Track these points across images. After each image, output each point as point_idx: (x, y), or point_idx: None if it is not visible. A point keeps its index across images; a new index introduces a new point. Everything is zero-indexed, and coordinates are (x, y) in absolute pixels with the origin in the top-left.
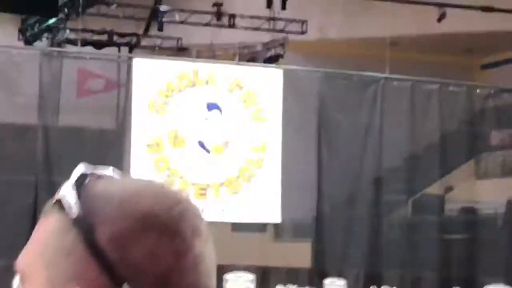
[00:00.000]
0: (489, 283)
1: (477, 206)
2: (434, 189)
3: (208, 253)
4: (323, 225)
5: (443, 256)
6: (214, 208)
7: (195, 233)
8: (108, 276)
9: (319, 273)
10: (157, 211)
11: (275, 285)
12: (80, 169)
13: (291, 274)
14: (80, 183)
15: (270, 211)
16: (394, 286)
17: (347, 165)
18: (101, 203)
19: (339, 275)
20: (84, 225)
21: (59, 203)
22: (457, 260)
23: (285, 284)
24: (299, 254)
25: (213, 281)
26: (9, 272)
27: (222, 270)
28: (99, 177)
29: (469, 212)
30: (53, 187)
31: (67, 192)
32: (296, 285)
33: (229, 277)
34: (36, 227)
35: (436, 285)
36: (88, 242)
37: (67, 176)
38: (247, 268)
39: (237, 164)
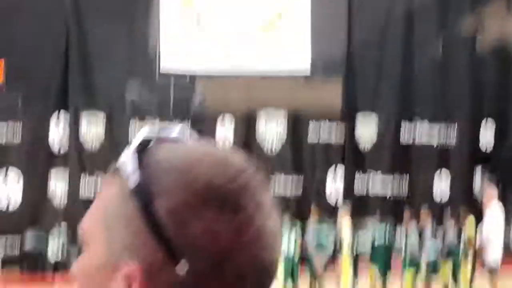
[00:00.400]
0: None
1: (508, 44)
2: (466, 27)
3: (271, 227)
4: (353, 62)
5: (475, 92)
6: (245, 57)
7: (257, 206)
8: (165, 251)
9: (350, 109)
10: (218, 184)
11: (308, 122)
12: (143, 133)
13: (323, 111)
14: (141, 149)
15: (300, 57)
16: (426, 119)
17: (377, 1)
18: (161, 173)
19: (371, 110)
20: (142, 196)
21: (118, 171)
22: (489, 96)
23: (317, 119)
24: (331, 92)
25: (275, 255)
26: (44, 117)
27: (254, 114)
28: (163, 141)
29: (501, 49)
30: (84, 36)
31: (128, 159)
32: (328, 121)
33: (261, 116)
34: (100, 188)
35: (469, 119)
36: (145, 214)
37: (98, 25)
38: (279, 119)
39: (269, 9)
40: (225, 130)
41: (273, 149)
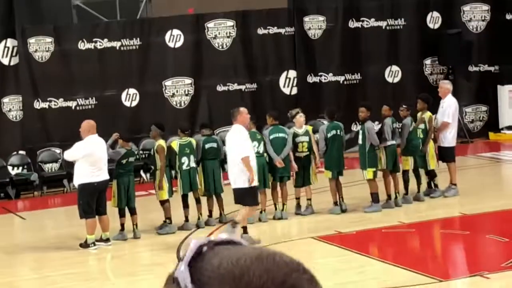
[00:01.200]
0: (467, 2)
1: None
2: None
3: None
4: None
5: None
6: None
7: None
8: None
9: (298, 12)
10: None
11: (256, 29)
12: (195, 245)
13: (270, 16)
14: (194, 258)
15: None
16: (373, 18)
17: None
18: (216, 282)
19: (318, 12)
20: None
21: (176, 281)
22: None
23: (265, 27)
24: None
25: None
26: None
27: (202, 19)
28: (214, 245)
29: None
30: None
31: (183, 272)
32: (276, 27)
33: (210, 25)
34: None
35: (415, 13)
36: None
37: None
38: (227, 15)
39: None
40: (175, 31)
41: (224, 46)
